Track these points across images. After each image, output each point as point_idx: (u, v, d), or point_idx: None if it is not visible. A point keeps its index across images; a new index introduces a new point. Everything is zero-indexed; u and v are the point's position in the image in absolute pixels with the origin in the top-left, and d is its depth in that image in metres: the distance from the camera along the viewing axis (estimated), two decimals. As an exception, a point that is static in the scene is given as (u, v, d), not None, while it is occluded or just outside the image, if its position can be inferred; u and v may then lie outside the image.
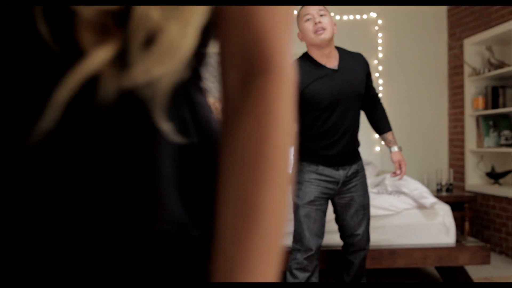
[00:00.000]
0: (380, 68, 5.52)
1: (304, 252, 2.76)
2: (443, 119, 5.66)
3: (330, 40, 2.71)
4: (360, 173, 2.87)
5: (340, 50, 2.85)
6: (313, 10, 2.68)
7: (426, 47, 5.60)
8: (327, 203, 2.84)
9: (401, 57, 5.55)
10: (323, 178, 2.78)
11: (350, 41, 5.33)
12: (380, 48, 5.53)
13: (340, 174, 2.79)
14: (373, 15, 5.51)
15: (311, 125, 2.75)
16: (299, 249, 2.78)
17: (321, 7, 2.71)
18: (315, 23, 2.65)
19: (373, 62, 5.50)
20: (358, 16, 5.49)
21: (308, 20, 2.69)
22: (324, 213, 2.81)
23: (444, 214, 3.48)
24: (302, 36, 2.75)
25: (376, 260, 3.29)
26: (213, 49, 0.61)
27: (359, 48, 5.40)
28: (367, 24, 5.52)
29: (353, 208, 2.85)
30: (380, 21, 5.52)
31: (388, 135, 2.99)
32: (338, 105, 2.71)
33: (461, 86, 5.37)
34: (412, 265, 3.36)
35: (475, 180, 5.24)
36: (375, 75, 5.49)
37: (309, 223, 2.75)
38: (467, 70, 5.26)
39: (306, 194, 2.77)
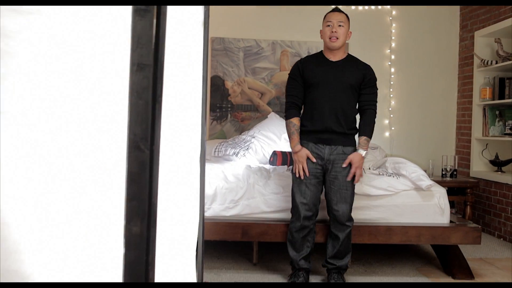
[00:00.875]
0: (393, 57, 5.74)
1: (297, 218, 3.30)
2: (452, 107, 5.87)
3: (340, 47, 3.31)
4: (344, 159, 3.29)
5: (351, 57, 3.42)
6: (334, 19, 3.28)
7: (438, 38, 5.81)
8: (318, 179, 3.32)
9: (413, 47, 5.77)
10: (312, 154, 3.29)
11: (364, 30, 5.59)
12: (393, 37, 5.74)
13: (325, 151, 3.29)
14: (387, 5, 5.72)
15: (307, 103, 3.35)
16: (293, 215, 3.34)
17: (341, 18, 3.28)
18: (332, 31, 3.26)
19: (386, 51, 5.73)
20: (372, 7, 5.71)
21: (328, 26, 3.29)
22: (315, 187, 3.32)
23: (440, 196, 3.73)
24: (321, 35, 3.35)
25: (373, 235, 3.56)
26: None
27: (372, 37, 5.68)
28: (381, 14, 5.74)
29: (336, 186, 3.28)
30: (394, 12, 5.73)
31: (361, 139, 3.33)
32: (325, 84, 3.27)
33: (470, 77, 5.57)
34: (407, 242, 3.63)
35: (479, 167, 5.47)
36: (387, 63, 5.72)
37: (299, 193, 3.29)
38: (476, 61, 5.45)
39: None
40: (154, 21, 1.56)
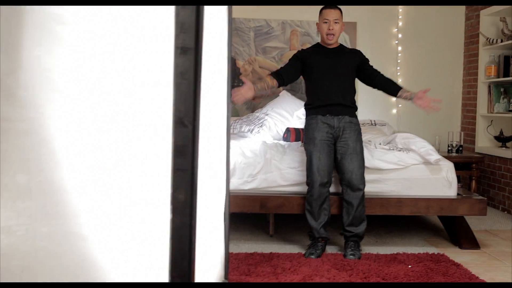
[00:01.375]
0: (400, 35, 5.87)
1: (313, 185, 3.54)
2: (457, 85, 6.01)
3: (336, 41, 3.74)
4: (355, 126, 3.65)
5: (342, 45, 3.86)
6: (331, 17, 3.65)
7: (444, 17, 5.93)
8: (330, 147, 3.59)
9: (420, 25, 5.89)
10: (322, 125, 3.61)
11: (372, 9, 5.72)
12: (400, 16, 5.86)
13: (334, 120, 3.62)
14: (392, 6, 5.84)
15: (312, 82, 3.73)
16: (309, 183, 3.57)
17: (337, 15, 3.65)
18: (329, 29, 3.65)
19: (393, 30, 5.86)
20: (380, -14, 5.82)
21: (325, 22, 3.67)
22: (327, 155, 3.57)
23: (447, 170, 3.89)
24: (318, 28, 3.75)
25: (384, 207, 3.73)
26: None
27: (379, 16, 5.79)
28: (389, -7, 5.84)
29: (347, 151, 3.55)
30: (401, -9, 5.85)
31: (402, 92, 3.71)
32: (327, 65, 3.67)
33: (476, 55, 5.71)
34: (416, 213, 3.80)
35: (484, 142, 5.63)
36: (394, 42, 5.86)
37: (314, 160, 3.55)
38: (481, 39, 5.58)
39: (311, 139, 3.62)
40: (195, 8, 1.72)
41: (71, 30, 1.66)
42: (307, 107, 3.78)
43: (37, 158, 1.62)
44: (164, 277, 1.70)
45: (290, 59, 3.80)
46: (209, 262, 2.30)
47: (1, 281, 1.63)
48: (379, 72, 3.80)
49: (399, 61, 5.87)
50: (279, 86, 3.75)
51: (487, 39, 5.45)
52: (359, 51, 3.90)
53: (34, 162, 1.62)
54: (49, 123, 1.63)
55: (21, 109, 1.60)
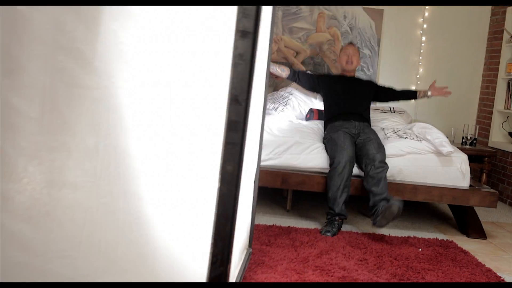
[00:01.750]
0: (425, 26, 5.96)
1: (339, 161, 3.74)
2: (477, 79, 6.12)
3: (353, 69, 4.50)
4: (371, 129, 4.16)
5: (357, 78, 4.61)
6: (350, 50, 4.46)
7: (470, 10, 6.01)
8: (352, 139, 3.97)
9: (445, 17, 5.98)
10: (344, 124, 4.14)
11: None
12: (426, 7, 5.95)
13: (355, 123, 4.16)
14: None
15: (333, 101, 4.39)
16: (333, 162, 3.78)
17: (355, 51, 4.46)
18: (348, 57, 4.42)
19: (419, 20, 5.95)
20: (410, -24, 5.90)
21: (346, 54, 4.44)
22: (350, 142, 3.90)
23: (461, 161, 4.03)
24: (339, 61, 4.51)
25: (400, 192, 3.89)
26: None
27: (407, 5, 5.86)
28: (418, -16, 5.92)
29: (371, 139, 3.96)
30: (430, -17, 5.93)
31: (419, 92, 4.62)
32: (346, 86, 4.40)
33: (498, 51, 5.81)
34: (430, 201, 3.96)
35: (498, 137, 5.76)
36: (419, 32, 5.96)
37: (339, 143, 3.85)
38: (505, 36, 5.68)
39: (334, 131, 4.02)
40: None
41: (143, 8, 1.81)
42: (327, 119, 4.32)
43: (106, 123, 1.79)
44: (207, 239, 1.88)
45: (314, 73, 4.68)
46: (241, 229, 2.48)
47: (67, 232, 1.81)
48: (392, 87, 4.61)
49: (422, 51, 5.97)
50: (287, 78, 4.56)
51: (511, 36, 5.55)
52: (371, 80, 4.72)
53: (103, 127, 1.79)
54: (119, 92, 1.79)
55: (96, 77, 1.76)
